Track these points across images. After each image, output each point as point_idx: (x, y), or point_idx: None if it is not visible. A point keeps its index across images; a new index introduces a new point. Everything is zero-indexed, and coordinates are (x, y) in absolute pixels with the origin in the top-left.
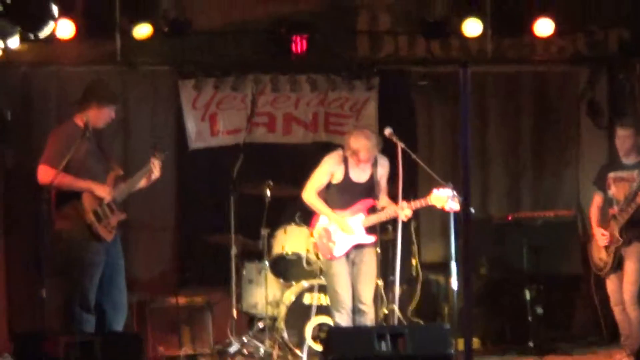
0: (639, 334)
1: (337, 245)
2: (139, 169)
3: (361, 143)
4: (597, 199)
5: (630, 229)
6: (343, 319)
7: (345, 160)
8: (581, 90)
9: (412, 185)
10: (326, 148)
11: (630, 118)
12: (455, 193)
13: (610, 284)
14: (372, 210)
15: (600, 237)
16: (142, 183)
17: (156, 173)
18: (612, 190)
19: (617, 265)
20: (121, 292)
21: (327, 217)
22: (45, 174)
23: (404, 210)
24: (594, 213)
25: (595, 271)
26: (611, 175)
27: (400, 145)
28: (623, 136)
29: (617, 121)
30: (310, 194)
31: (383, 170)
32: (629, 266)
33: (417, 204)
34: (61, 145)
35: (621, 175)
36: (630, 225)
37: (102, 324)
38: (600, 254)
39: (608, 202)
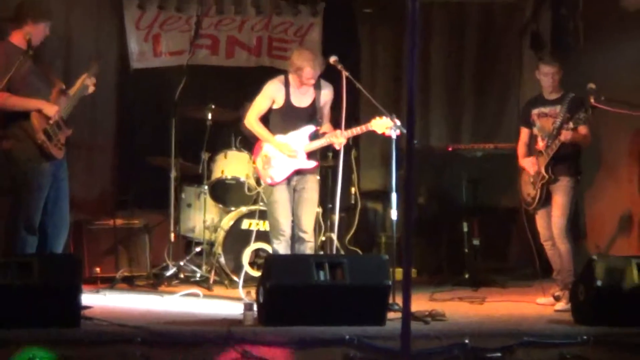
0: (570, 267)
1: (278, 170)
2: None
3: (304, 60)
4: (523, 135)
5: (556, 165)
6: (281, 247)
7: (286, 85)
8: (525, 22)
9: (354, 115)
10: (270, 73)
11: (551, 54)
12: (397, 122)
13: (540, 219)
14: (315, 135)
15: (530, 165)
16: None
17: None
18: (537, 127)
19: (545, 200)
20: (64, 214)
21: (268, 142)
22: None
23: (338, 139)
24: (520, 148)
25: (524, 206)
26: (535, 111)
27: (345, 74)
28: (550, 72)
29: (541, 57)
30: (251, 120)
31: (326, 96)
32: (557, 200)
33: (355, 130)
34: (0, 65)
35: (544, 111)
36: (555, 161)
37: (43, 245)
38: (528, 189)
39: (533, 138)
